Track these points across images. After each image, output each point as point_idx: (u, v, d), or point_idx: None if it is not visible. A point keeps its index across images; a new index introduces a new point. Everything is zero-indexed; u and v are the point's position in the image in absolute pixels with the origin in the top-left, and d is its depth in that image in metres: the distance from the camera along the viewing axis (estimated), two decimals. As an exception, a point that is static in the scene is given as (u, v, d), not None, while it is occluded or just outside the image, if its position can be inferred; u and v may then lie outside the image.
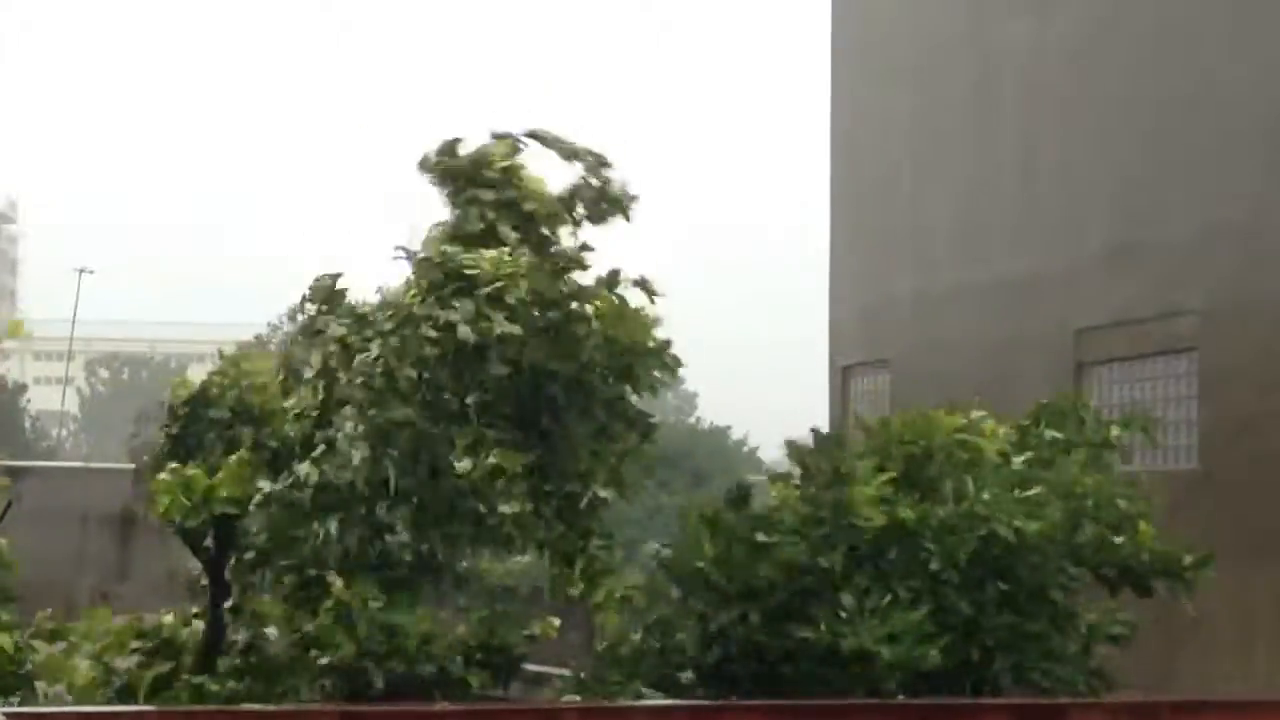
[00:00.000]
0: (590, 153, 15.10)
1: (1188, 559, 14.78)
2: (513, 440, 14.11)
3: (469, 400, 14.13)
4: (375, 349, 13.79)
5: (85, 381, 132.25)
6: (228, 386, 15.52)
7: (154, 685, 14.71)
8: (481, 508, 14.16)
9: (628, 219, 15.21)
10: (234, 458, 14.54)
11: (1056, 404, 16.29)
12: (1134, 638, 14.85)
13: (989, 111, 30.81)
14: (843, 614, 13.63)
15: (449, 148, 14.99)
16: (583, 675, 14.84)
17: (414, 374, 13.75)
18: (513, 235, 14.46)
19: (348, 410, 13.95)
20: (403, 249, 14.83)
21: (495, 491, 14.00)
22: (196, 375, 16.43)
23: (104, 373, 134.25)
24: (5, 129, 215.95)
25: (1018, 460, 15.07)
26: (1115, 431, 16.14)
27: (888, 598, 13.70)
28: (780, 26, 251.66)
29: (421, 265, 14.33)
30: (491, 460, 13.85)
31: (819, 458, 14.60)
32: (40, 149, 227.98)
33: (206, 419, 15.38)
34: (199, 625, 15.43)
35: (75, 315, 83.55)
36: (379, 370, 13.72)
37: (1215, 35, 25.25)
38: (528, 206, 14.75)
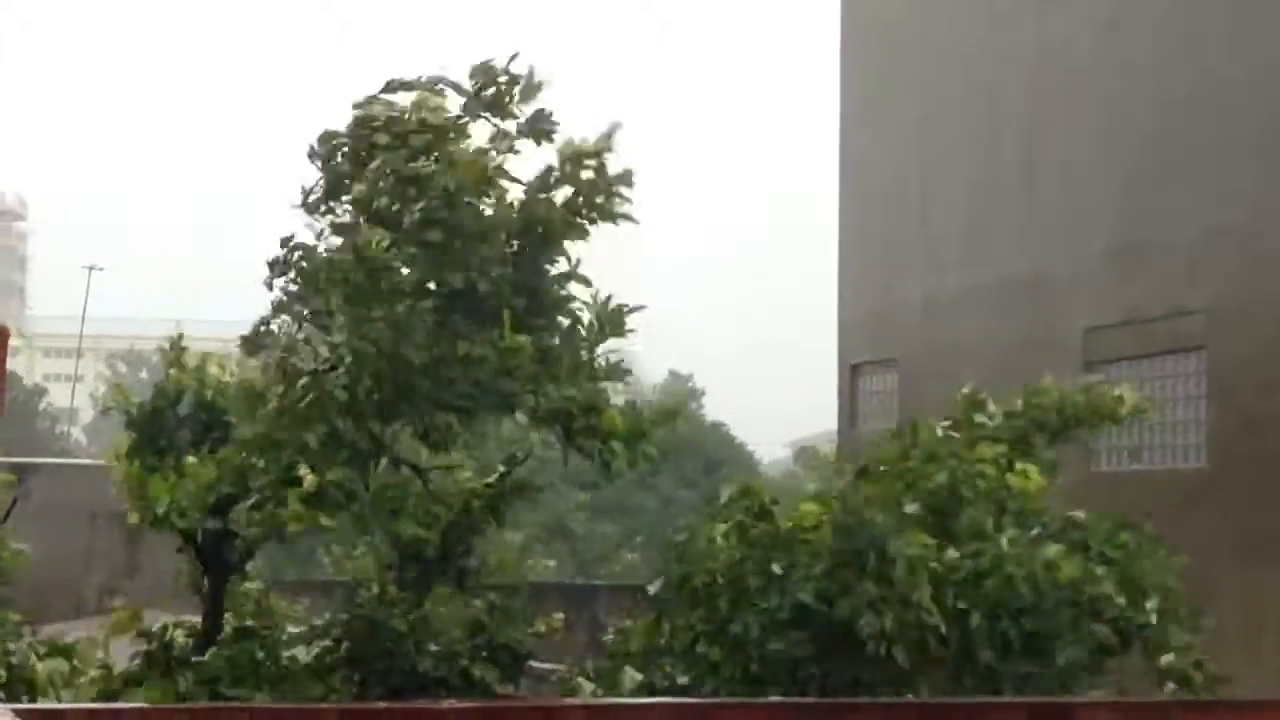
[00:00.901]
0: (455, 83, 14.42)
1: (1200, 672, 14.33)
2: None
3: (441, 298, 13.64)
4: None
5: (101, 377, 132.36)
6: (181, 380, 15.45)
7: (153, 680, 14.68)
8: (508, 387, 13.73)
9: (538, 107, 14.46)
10: (214, 456, 14.42)
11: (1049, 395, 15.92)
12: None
13: (995, 113, 30.81)
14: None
15: (330, 135, 14.57)
16: (589, 666, 14.80)
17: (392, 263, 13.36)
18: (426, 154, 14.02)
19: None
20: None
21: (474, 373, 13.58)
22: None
23: (123, 368, 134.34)
24: (13, 127, 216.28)
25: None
26: (1125, 396, 15.77)
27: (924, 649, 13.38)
28: (790, 29, 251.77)
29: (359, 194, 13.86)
30: (465, 348, 13.46)
31: (849, 493, 14.10)
32: (48, 146, 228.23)
33: (172, 418, 15.29)
34: (198, 620, 15.41)
35: (85, 312, 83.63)
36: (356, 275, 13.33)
37: (1218, 36, 25.26)
38: (433, 120, 14.22)
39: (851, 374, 35.55)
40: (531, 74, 14.25)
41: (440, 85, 14.31)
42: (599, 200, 14.02)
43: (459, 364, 13.50)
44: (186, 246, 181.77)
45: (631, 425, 14.26)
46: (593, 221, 14.13)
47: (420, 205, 13.57)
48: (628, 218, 14.17)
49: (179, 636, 15.15)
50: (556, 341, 14.05)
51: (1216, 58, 25.19)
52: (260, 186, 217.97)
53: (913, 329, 32.99)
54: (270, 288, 14.26)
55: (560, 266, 14.16)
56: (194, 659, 14.76)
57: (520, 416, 14.05)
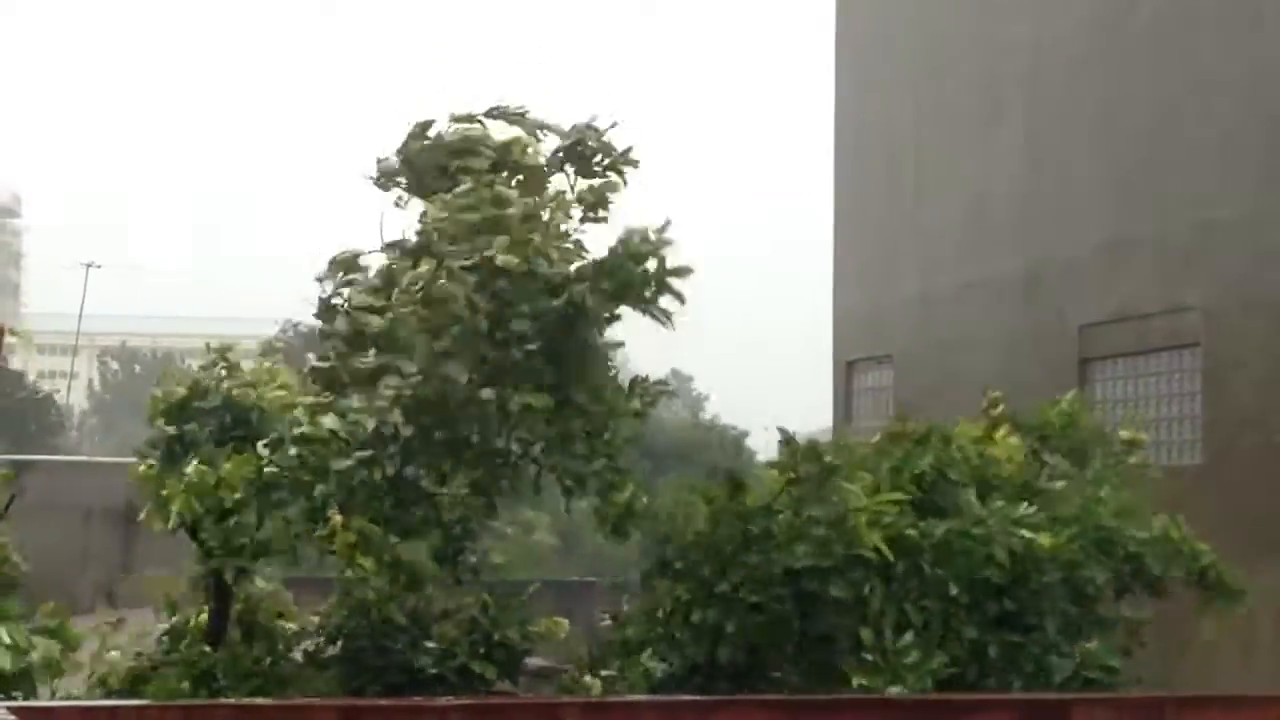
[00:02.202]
0: (557, 127, 14.83)
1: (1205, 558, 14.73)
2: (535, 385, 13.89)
3: (500, 345, 13.82)
4: (405, 302, 13.54)
5: (95, 373, 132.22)
6: (219, 381, 15.46)
7: (153, 678, 14.69)
8: (512, 446, 13.94)
9: (623, 178, 14.84)
10: (240, 456, 14.46)
11: (1062, 410, 16.18)
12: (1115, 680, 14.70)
13: (991, 109, 30.81)
14: (865, 654, 13.54)
15: (421, 130, 14.82)
16: (588, 656, 14.86)
17: (451, 319, 13.49)
18: (513, 194, 14.23)
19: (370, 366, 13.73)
20: (399, 202, 14.69)
21: (525, 430, 13.77)
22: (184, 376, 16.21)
23: (114, 364, 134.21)
24: (8, 124, 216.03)
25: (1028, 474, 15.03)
26: (1124, 435, 16.15)
27: (904, 636, 13.59)
28: (785, 26, 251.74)
29: (439, 216, 14.02)
30: (520, 399, 13.65)
31: (808, 463, 14.39)
32: (43, 144, 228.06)
33: (199, 416, 15.29)
34: (202, 619, 15.41)
35: (81, 310, 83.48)
36: (413, 317, 13.49)
37: (1214, 32, 25.26)
38: (525, 162, 14.51)
39: (847, 370, 35.55)
40: (627, 151, 14.61)
41: (537, 128, 14.66)
42: (648, 294, 14.24)
43: (515, 415, 13.74)
44: (182, 244, 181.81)
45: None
46: (639, 309, 14.38)
47: (495, 249, 13.74)
48: (667, 314, 14.41)
49: (183, 633, 15.17)
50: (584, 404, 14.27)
51: (1212, 54, 25.19)
52: (256, 185, 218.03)
53: (908, 325, 32.99)
54: (325, 286, 14.39)
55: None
56: (197, 656, 14.77)
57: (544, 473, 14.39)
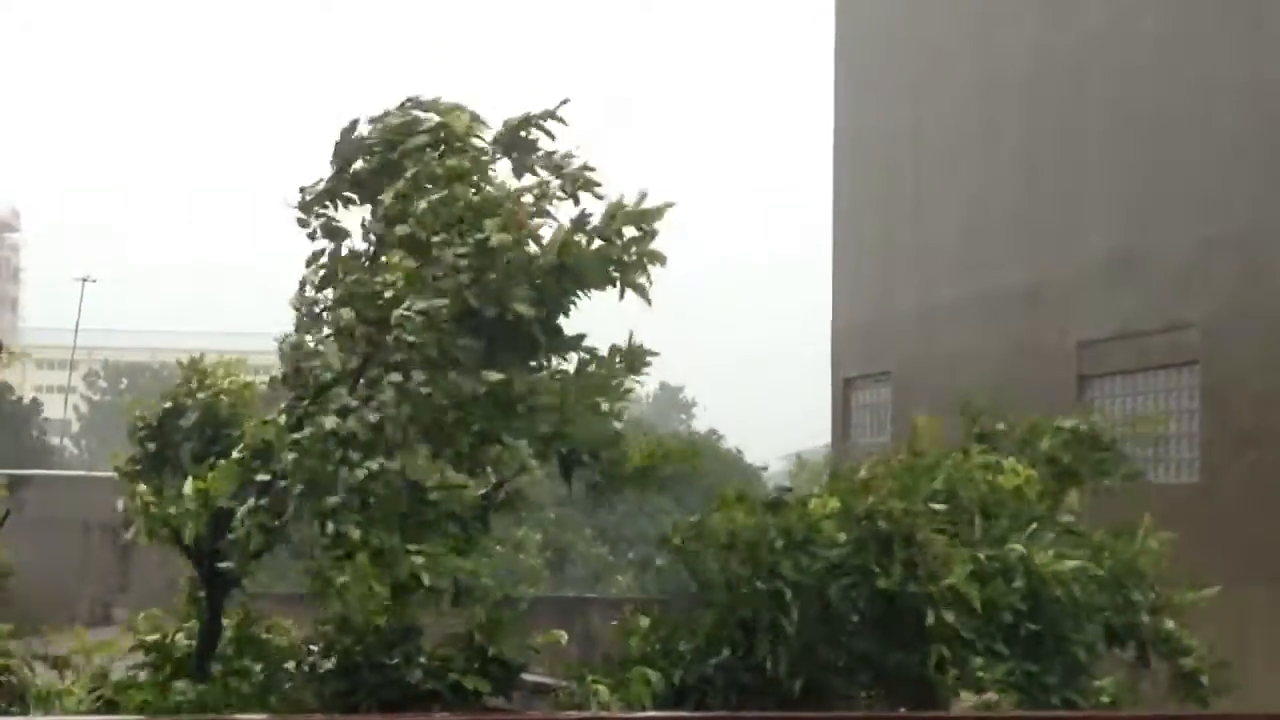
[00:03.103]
0: (474, 114, 14.61)
1: (1201, 660, 14.54)
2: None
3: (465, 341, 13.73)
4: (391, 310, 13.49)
5: (85, 390, 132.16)
6: (195, 392, 15.42)
7: (145, 692, 14.65)
8: (500, 431, 13.87)
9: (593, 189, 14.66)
10: (224, 462, 14.41)
11: (1064, 425, 16.04)
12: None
13: (991, 124, 30.85)
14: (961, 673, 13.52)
15: (351, 126, 14.66)
16: (586, 676, 14.80)
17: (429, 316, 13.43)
18: (496, 176, 14.11)
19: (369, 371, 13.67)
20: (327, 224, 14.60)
21: (509, 413, 13.68)
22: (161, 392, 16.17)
23: (103, 382, 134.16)
24: (7, 140, 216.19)
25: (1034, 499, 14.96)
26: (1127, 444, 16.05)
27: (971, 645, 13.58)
28: (783, 39, 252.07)
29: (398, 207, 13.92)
30: (493, 377, 13.53)
31: (866, 485, 14.33)
32: (42, 159, 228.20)
33: (179, 430, 15.27)
34: (194, 631, 15.37)
35: (78, 324, 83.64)
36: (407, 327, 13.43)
37: (1216, 46, 25.28)
38: (472, 140, 14.33)
39: (845, 387, 35.58)
40: (568, 154, 14.44)
41: (467, 113, 14.47)
42: (629, 259, 14.07)
43: (486, 397, 13.60)
44: (179, 258, 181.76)
45: (646, 460, 14.55)
46: (615, 279, 14.18)
47: (456, 232, 13.64)
48: (643, 289, 14.22)
49: (175, 647, 15.12)
50: (573, 372, 14.16)
51: (1214, 68, 25.21)
52: (253, 200, 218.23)
53: (906, 342, 33.02)
54: (299, 307, 14.34)
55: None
56: (189, 670, 14.73)
57: (526, 446, 14.17)
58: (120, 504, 15.20)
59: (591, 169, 14.36)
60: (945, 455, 15.15)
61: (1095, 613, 14.19)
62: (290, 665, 15.12)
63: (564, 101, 14.53)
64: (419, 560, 13.61)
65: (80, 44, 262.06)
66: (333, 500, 13.50)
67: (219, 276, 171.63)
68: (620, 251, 13.99)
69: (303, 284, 14.58)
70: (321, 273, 14.50)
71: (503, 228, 13.65)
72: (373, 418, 13.47)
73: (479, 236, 13.62)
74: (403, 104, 14.62)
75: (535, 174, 14.43)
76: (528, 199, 14.10)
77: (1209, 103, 25.25)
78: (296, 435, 13.71)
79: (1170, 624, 14.50)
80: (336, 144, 14.66)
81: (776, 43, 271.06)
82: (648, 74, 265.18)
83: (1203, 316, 25.12)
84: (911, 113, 33.39)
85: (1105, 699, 14.13)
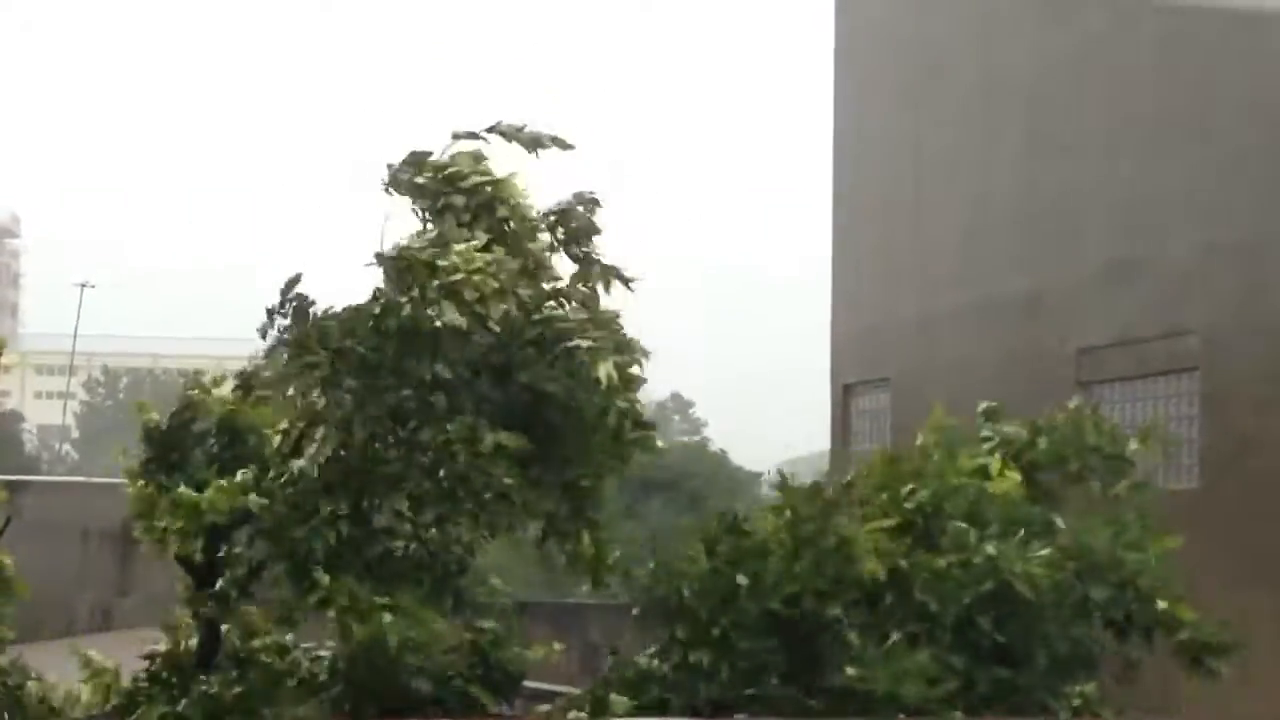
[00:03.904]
0: (556, 139, 14.79)
1: (1198, 630, 14.49)
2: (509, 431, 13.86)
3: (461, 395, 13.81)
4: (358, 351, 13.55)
5: (85, 396, 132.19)
6: (210, 401, 15.40)
7: (149, 701, 14.63)
8: (481, 486, 13.89)
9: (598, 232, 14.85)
10: (225, 479, 14.40)
11: (1061, 423, 15.96)
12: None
13: (991, 130, 30.86)
14: (852, 657, 13.50)
15: (417, 160, 14.77)
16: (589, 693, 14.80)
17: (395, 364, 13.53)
18: (485, 237, 14.21)
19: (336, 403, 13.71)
20: (379, 255, 14.65)
21: (496, 470, 13.71)
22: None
23: (101, 389, 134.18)
24: (7, 145, 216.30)
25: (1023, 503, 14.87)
26: (1133, 445, 15.81)
27: (887, 640, 13.58)
28: (782, 48, 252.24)
29: (388, 261, 14.06)
30: (492, 439, 13.61)
31: (808, 504, 14.38)
32: (42, 164, 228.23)
33: (190, 435, 15.24)
34: (192, 643, 15.34)
35: (76, 330, 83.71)
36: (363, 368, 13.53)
37: (1217, 53, 25.27)
38: (501, 212, 14.49)
39: (844, 393, 35.58)
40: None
41: (536, 145, 14.68)
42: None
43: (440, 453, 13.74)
44: (179, 264, 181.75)
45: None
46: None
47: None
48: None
49: (178, 657, 15.10)
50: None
51: (1214, 75, 25.22)
52: (252, 204, 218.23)
53: (905, 348, 33.02)
54: (265, 335, 14.35)
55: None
56: (192, 680, 14.71)
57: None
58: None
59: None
60: (927, 460, 15.10)
61: (1079, 613, 14.14)
62: (290, 678, 15.11)
63: (598, 204, 14.79)
64: (387, 618, 13.79)
65: (77, 47, 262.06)
66: (299, 546, 13.68)
67: (218, 281, 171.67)
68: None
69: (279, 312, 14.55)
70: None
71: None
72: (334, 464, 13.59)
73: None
74: (491, 128, 14.80)
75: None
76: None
77: (1209, 109, 25.26)
78: (269, 476, 13.85)
79: (1163, 604, 14.43)
80: (392, 175, 14.74)
81: (776, 50, 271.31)
82: (645, 83, 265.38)
83: (1202, 323, 25.12)
84: (911, 118, 33.40)
85: (1076, 702, 14.07)
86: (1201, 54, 25.61)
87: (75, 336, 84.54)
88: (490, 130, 14.73)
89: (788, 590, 13.82)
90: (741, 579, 13.94)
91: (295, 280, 14.28)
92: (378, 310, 13.76)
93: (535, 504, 14.08)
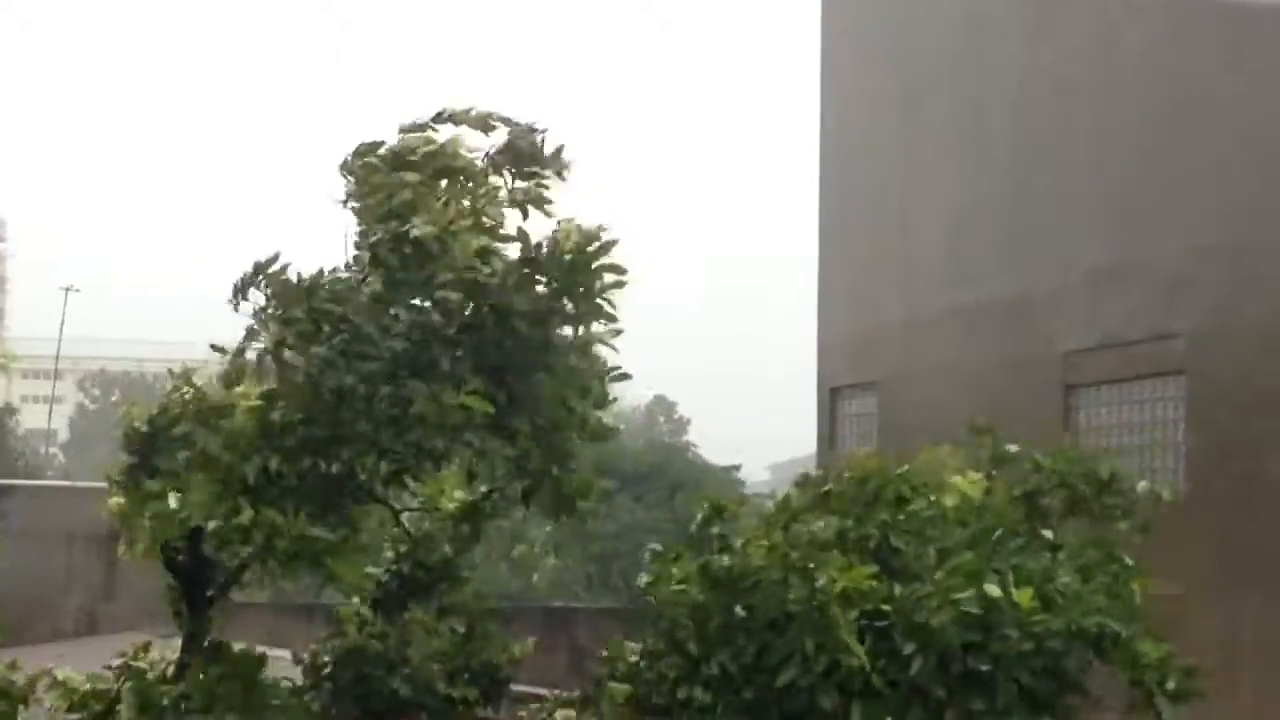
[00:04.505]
0: (506, 119, 14.62)
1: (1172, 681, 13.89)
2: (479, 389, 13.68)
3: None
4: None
5: (76, 399, 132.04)
6: (187, 403, 15.27)
7: (129, 705, 14.57)
8: (442, 445, 13.74)
9: (562, 178, 14.62)
10: (204, 480, 14.28)
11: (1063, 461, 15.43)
12: None
13: (978, 134, 30.88)
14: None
15: (368, 148, 14.64)
16: (575, 694, 14.74)
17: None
18: (438, 205, 14.06)
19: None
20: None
21: (462, 429, 13.53)
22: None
23: (95, 390, 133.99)
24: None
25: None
26: (1142, 484, 15.46)
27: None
28: (768, 53, 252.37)
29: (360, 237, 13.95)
30: (458, 400, 13.41)
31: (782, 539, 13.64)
32: (27, 169, 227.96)
33: (168, 439, 15.13)
34: (173, 651, 15.29)
35: (61, 334, 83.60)
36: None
37: (1205, 57, 25.32)
38: (456, 164, 14.30)
39: (831, 397, 35.57)
40: (557, 151, 14.35)
41: (485, 125, 14.43)
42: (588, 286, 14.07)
43: (404, 416, 13.49)
44: (165, 267, 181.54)
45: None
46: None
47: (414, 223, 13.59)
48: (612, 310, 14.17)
49: (158, 661, 15.04)
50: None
51: (1203, 78, 25.24)
52: (238, 206, 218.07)
53: (893, 351, 33.04)
54: (237, 307, 14.20)
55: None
56: (172, 684, 14.67)
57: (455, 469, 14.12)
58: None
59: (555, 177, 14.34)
60: (886, 485, 14.32)
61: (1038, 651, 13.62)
62: (276, 679, 15.06)
63: (544, 130, 14.48)
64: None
65: (63, 55, 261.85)
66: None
67: (204, 285, 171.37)
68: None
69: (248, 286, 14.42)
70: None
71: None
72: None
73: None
74: (435, 116, 14.58)
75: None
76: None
77: (1195, 114, 25.29)
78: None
79: (1122, 640, 13.81)
80: (344, 160, 14.59)
81: (762, 57, 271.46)
82: (633, 92, 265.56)
83: (1189, 327, 25.15)
84: (898, 121, 33.42)
85: None
86: (1191, 57, 25.65)
87: (60, 340, 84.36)
88: (437, 119, 14.51)
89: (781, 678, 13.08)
90: (740, 610, 13.29)
91: (274, 258, 14.16)
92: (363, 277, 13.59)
93: (501, 450, 13.80)
